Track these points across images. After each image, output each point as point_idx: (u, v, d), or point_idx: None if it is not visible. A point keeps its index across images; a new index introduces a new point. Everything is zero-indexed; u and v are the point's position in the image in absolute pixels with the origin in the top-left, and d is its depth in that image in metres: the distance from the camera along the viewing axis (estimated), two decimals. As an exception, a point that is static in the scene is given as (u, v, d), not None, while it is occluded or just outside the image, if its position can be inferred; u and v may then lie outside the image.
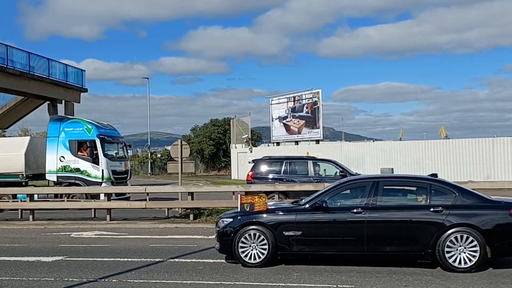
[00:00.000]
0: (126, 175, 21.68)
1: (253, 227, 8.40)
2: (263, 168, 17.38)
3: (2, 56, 26.40)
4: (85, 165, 20.15)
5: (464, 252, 7.72)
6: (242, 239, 8.36)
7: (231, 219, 8.65)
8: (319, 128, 35.12)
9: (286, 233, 8.23)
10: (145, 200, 16.10)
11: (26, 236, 12.99)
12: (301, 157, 20.09)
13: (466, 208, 7.95)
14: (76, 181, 19.96)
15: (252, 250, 8.33)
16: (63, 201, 17.00)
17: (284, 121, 37.95)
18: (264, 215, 8.49)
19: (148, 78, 61.96)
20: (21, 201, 16.99)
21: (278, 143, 39.07)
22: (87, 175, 20.03)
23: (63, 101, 32.15)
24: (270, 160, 18.07)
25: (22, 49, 28.66)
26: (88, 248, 10.79)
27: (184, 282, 7.47)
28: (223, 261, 8.94)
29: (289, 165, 17.24)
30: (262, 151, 39.40)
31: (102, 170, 20.00)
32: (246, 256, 8.34)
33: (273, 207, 8.93)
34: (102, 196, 17.45)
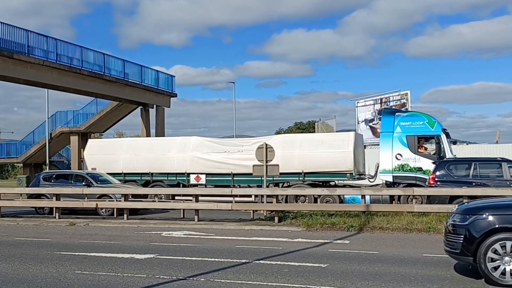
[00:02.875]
0: None
1: None
2: (448, 170, 15.97)
3: (100, 64, 28.13)
4: (427, 164, 17.76)
5: None
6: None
7: None
8: (407, 130, 33.95)
9: None
10: (231, 202, 16.41)
11: (121, 234, 13.70)
12: (493, 158, 18.10)
13: None
14: (417, 182, 17.83)
15: None
16: (154, 201, 17.71)
17: (370, 124, 37.08)
18: None
19: (234, 83, 63.45)
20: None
21: (364, 146, 38.25)
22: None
23: (155, 106, 33.62)
24: (456, 161, 16.70)
25: (117, 57, 30.35)
26: (178, 247, 11.17)
27: (269, 284, 7.51)
28: (308, 264, 8.89)
29: (479, 167, 15.79)
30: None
31: None
32: None
33: None
34: None
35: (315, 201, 18.37)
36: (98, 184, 19.46)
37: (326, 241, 11.76)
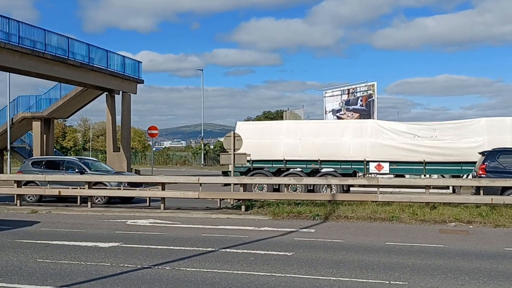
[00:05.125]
0: None
1: None
2: (499, 161, 15.31)
3: (64, 48, 27.40)
4: None
5: None
6: None
7: None
8: (373, 121, 34.44)
9: None
10: (198, 190, 16.35)
11: (84, 222, 13.48)
12: None
13: None
14: None
15: None
16: (120, 189, 17.44)
17: (337, 114, 37.46)
18: None
19: (202, 70, 62.90)
20: None
21: None
22: None
23: (121, 92, 33.05)
24: (506, 152, 15.81)
25: (82, 41, 29.62)
26: (143, 236, 11.06)
27: (235, 272, 7.52)
28: (274, 252, 8.95)
29: None
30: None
31: None
32: None
33: None
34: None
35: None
36: (91, 172, 18.95)
37: (292, 229, 11.85)
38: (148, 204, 17.11)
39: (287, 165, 19.95)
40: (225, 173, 20.59)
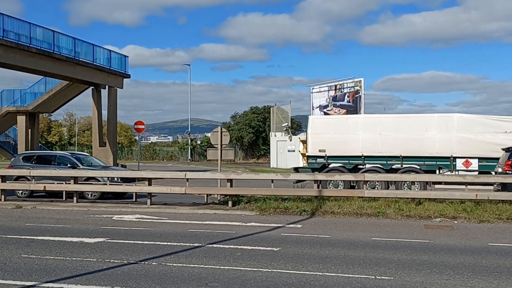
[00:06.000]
0: None
1: None
2: None
3: (49, 42, 27.08)
4: None
5: None
6: None
7: None
8: (360, 117, 34.60)
9: None
10: (185, 186, 16.29)
11: (70, 217, 13.37)
12: None
13: None
14: None
15: None
16: (106, 184, 17.32)
17: (324, 110, 37.57)
18: None
19: (189, 65, 62.59)
20: None
21: (317, 132, 38.78)
22: None
23: (107, 87, 32.79)
24: None
25: (68, 34, 29.31)
26: (129, 231, 11.01)
27: (221, 267, 7.52)
28: (261, 248, 8.96)
29: None
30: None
31: None
32: None
33: None
34: None
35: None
36: (84, 166, 18.75)
37: (278, 225, 11.88)
38: (134, 200, 17.02)
39: (365, 161, 19.32)
40: (297, 170, 20.13)
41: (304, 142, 20.54)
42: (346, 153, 19.36)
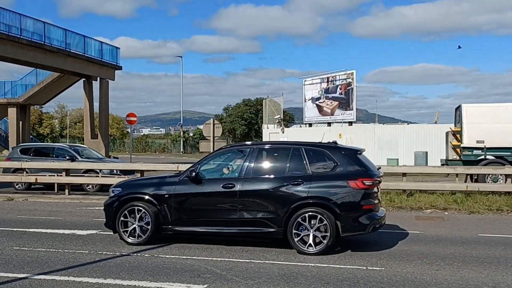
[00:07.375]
0: None
1: None
2: None
3: (40, 33, 26.91)
4: None
5: None
6: None
7: None
8: (352, 109, 34.68)
9: None
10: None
11: (62, 209, 13.34)
12: None
13: None
14: None
15: None
16: (92, 176, 17.17)
17: (317, 102, 37.60)
18: None
19: (181, 57, 62.66)
20: None
21: (310, 124, 38.84)
22: None
23: (98, 79, 32.64)
24: None
25: (59, 26, 29.14)
26: (121, 223, 10.98)
27: (214, 259, 7.53)
28: (254, 239, 8.98)
29: None
30: (294, 132, 39.27)
31: None
32: None
33: None
34: None
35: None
36: (83, 159, 18.61)
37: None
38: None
39: None
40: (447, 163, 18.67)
41: (457, 133, 18.97)
42: (510, 144, 17.84)
